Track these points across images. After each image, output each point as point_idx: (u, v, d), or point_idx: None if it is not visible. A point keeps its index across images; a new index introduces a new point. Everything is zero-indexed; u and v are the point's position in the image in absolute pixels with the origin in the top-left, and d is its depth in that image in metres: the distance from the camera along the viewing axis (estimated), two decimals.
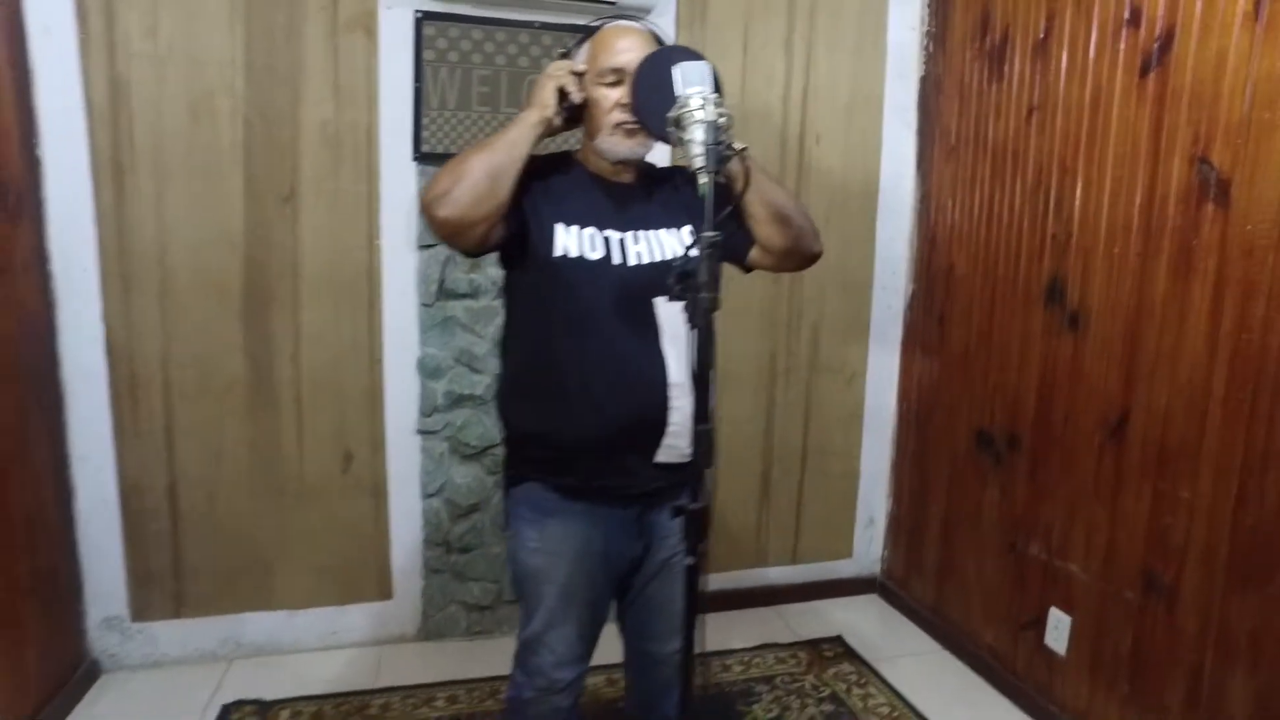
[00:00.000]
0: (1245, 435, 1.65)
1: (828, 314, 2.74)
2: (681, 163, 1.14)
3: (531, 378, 1.45)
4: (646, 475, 1.42)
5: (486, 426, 2.49)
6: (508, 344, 1.54)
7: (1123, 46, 1.93)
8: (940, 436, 2.62)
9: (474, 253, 1.39)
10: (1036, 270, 2.20)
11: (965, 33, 2.48)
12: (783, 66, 2.58)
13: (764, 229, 1.44)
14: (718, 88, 1.23)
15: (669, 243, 1.44)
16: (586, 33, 1.44)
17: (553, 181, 1.43)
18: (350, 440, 2.45)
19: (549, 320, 1.41)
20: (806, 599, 2.85)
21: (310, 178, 2.32)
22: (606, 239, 1.41)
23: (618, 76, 1.36)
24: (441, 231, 1.32)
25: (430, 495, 2.52)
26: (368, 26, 2.29)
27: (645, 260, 1.41)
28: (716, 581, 2.76)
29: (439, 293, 2.42)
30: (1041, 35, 2.18)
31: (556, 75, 1.37)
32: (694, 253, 1.12)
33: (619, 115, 1.36)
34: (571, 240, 1.39)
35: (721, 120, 1.14)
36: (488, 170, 1.30)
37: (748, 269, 1.53)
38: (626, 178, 1.46)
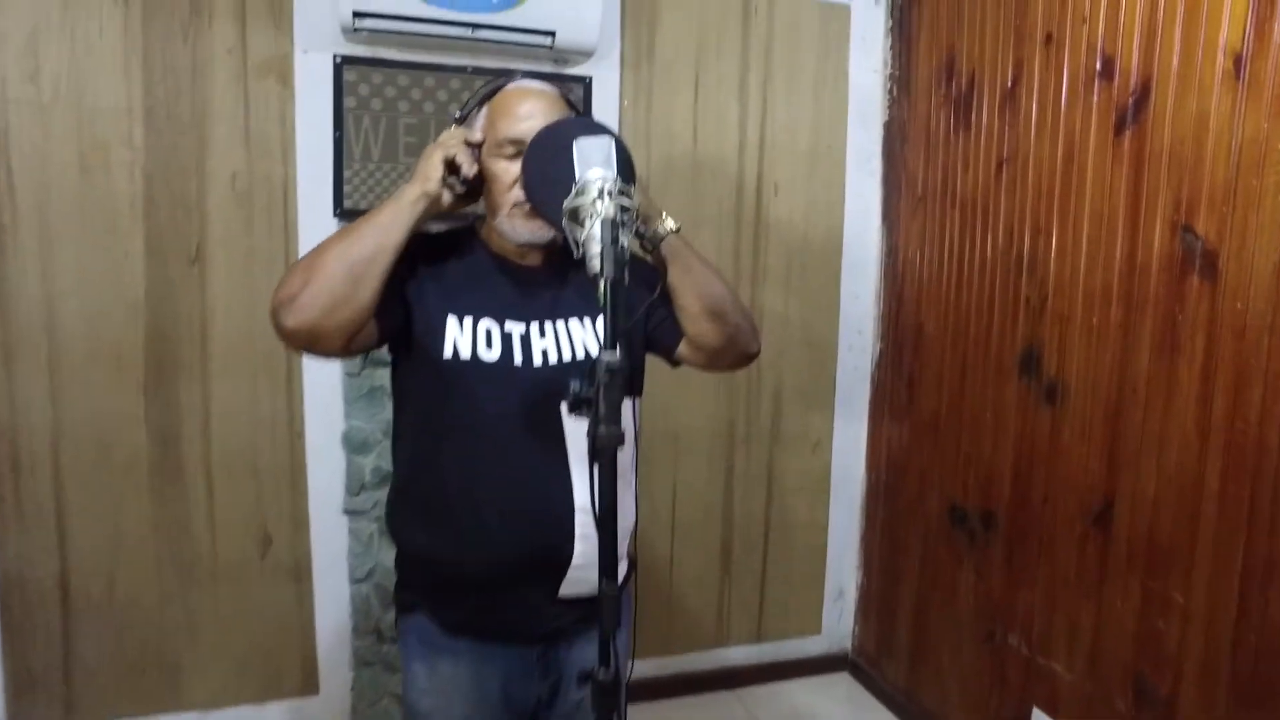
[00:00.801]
0: (1245, 539, 1.47)
1: (790, 376, 2.56)
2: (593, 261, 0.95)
3: (417, 492, 1.25)
4: (549, 612, 1.22)
5: None
6: (395, 446, 1.33)
7: (1095, 100, 1.77)
8: (911, 508, 2.44)
9: (339, 357, 1.18)
10: (1010, 336, 2.03)
11: (930, 77, 2.33)
12: (737, 111, 2.42)
13: (695, 324, 1.25)
14: (626, 168, 1.04)
15: (580, 336, 1.24)
16: (484, 94, 1.23)
17: (446, 264, 1.23)
18: (269, 521, 2.23)
19: (436, 428, 1.21)
20: (772, 680, 2.64)
21: (220, 236, 2.11)
22: (507, 335, 1.20)
23: (517, 148, 1.15)
24: (290, 343, 1.10)
25: (359, 580, 2.30)
26: (281, 72, 2.10)
27: (552, 360, 1.21)
28: (673, 665, 2.55)
29: (365, 360, 2.21)
30: (1009, 84, 2.02)
31: (446, 144, 1.15)
32: (606, 351, 0.93)
33: (519, 194, 1.15)
34: (464, 338, 1.18)
35: (625, 215, 0.95)
36: (347, 267, 1.08)
37: (675, 364, 1.34)
38: (534, 260, 1.25)
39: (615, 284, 0.90)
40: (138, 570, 2.14)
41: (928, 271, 2.35)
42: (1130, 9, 1.69)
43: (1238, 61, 1.48)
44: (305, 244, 2.15)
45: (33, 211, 1.98)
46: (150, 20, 2.00)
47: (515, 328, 1.21)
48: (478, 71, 2.20)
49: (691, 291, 1.23)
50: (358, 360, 2.21)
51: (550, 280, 1.25)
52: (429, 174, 1.14)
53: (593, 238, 0.94)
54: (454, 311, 1.19)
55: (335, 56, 2.11)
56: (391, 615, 2.32)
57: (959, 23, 2.20)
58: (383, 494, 2.27)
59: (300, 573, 2.27)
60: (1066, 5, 1.84)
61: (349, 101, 2.14)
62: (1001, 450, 2.07)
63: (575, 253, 0.99)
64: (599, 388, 0.90)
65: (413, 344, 1.20)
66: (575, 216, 0.98)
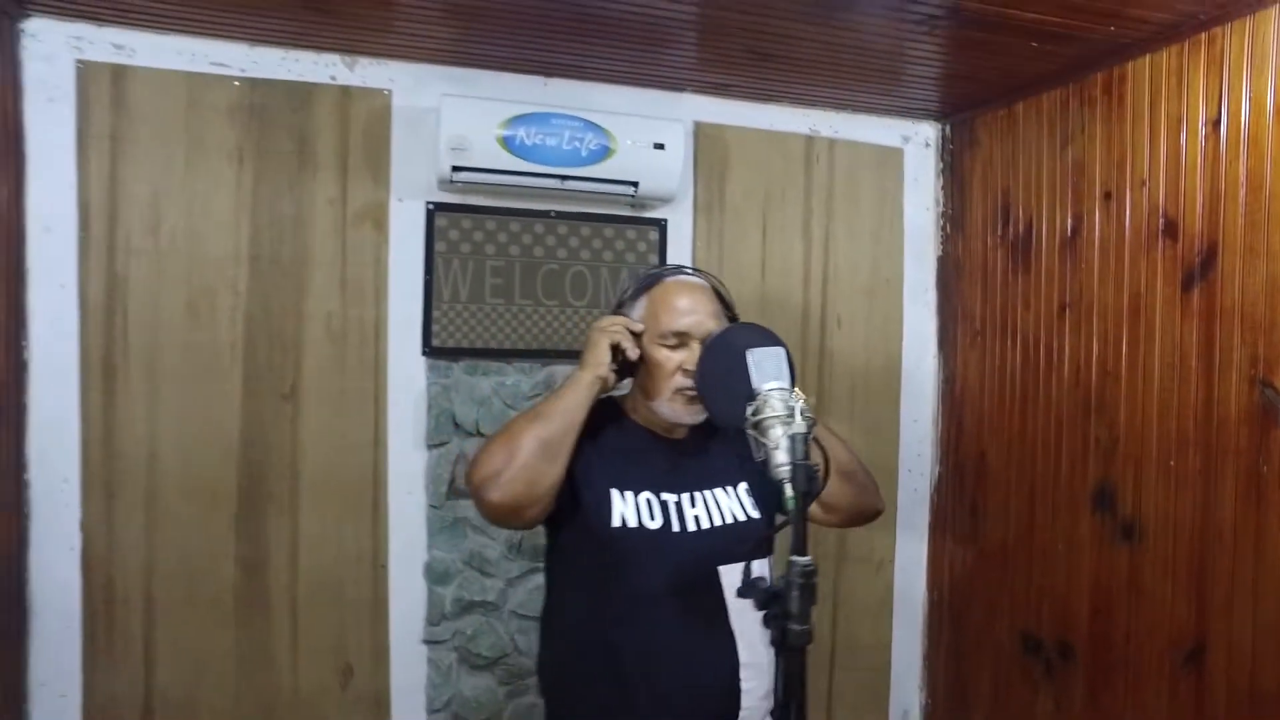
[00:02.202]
0: None
1: None
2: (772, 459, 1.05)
3: (585, 665, 1.31)
4: None
5: (499, 635, 2.31)
6: (553, 621, 1.39)
7: (1160, 256, 1.89)
8: (980, 633, 2.47)
9: (528, 528, 1.28)
10: (1080, 471, 2.10)
11: (984, 218, 2.47)
12: (802, 250, 2.56)
13: (830, 486, 1.34)
14: (793, 374, 1.15)
15: (726, 503, 1.34)
16: (641, 286, 1.37)
17: (602, 439, 1.33)
18: (350, 651, 2.25)
19: (606, 600, 1.29)
20: None
21: (313, 373, 2.20)
22: (664, 503, 1.30)
23: (680, 340, 1.29)
24: (493, 515, 1.22)
25: (437, 710, 2.31)
26: (377, 219, 2.23)
27: (705, 525, 1.31)
28: None
29: (450, 493, 2.28)
30: (1069, 233, 2.15)
31: (611, 331, 1.29)
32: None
33: (681, 380, 1.28)
34: (629, 508, 1.28)
35: (811, 429, 1.05)
36: (543, 444, 1.21)
37: None
38: (680, 433, 1.38)
39: (806, 495, 0.98)
40: (219, 702, 2.16)
41: (989, 401, 2.44)
42: (1190, 176, 1.82)
43: None
44: (394, 381, 2.25)
45: (142, 352, 2.08)
46: (261, 176, 2.14)
47: (670, 498, 1.31)
48: (560, 216, 2.33)
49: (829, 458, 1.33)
50: (442, 492, 2.27)
51: (694, 452, 1.37)
52: (600, 359, 1.27)
53: (781, 448, 1.03)
54: (616, 486, 1.29)
55: (428, 204, 2.25)
56: None
57: (1013, 171, 2.34)
58: (462, 624, 2.31)
59: (380, 703, 2.27)
60: (1125, 167, 1.98)
61: (439, 246, 2.26)
62: (1076, 582, 2.11)
63: (755, 453, 1.08)
64: (792, 587, 0.97)
65: (579, 516, 1.28)
66: (759, 427, 1.07)
